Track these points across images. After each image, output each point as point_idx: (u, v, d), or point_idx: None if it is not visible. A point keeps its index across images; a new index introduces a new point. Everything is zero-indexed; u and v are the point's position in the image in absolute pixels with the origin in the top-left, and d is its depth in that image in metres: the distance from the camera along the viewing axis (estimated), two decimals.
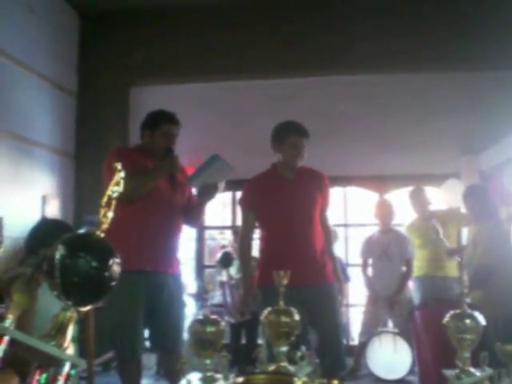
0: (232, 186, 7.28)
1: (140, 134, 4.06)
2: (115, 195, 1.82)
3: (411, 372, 5.94)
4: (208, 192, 3.99)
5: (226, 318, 6.39)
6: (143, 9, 6.80)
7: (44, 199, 6.10)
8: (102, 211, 1.83)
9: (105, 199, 1.83)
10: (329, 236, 4.25)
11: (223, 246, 6.66)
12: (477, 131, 6.77)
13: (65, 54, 6.76)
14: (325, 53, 6.74)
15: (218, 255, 6.46)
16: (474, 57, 6.48)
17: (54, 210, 6.29)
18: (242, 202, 4.24)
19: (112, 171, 3.42)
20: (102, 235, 1.82)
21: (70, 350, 1.76)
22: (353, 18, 6.75)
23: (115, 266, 1.78)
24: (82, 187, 6.60)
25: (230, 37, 6.82)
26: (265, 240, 4.18)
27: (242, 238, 4.29)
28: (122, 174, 1.86)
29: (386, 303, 6.05)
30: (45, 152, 6.24)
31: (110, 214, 1.83)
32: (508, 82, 6.70)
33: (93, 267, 1.72)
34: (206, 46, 6.82)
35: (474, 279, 4.63)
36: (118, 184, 1.84)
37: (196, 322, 2.41)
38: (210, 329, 2.38)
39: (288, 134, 4.16)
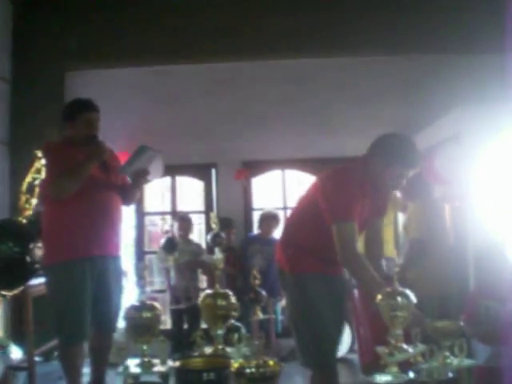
0: (171, 171, 7.28)
1: (63, 126, 4.06)
2: (37, 182, 1.82)
3: (351, 350, 6.07)
4: (139, 178, 4.06)
5: (171, 304, 6.38)
6: None
7: None
8: (24, 198, 1.82)
9: (25, 186, 1.83)
10: None
11: (167, 232, 6.60)
12: (411, 114, 6.90)
13: None
14: (263, 37, 6.72)
15: (162, 241, 6.40)
16: (407, 41, 6.57)
17: None
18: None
19: (56, 161, 3.38)
20: (24, 221, 1.82)
21: None
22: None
23: (37, 249, 1.78)
24: (16, 175, 6.43)
25: (166, 20, 6.73)
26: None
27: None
28: (43, 161, 1.85)
29: None
30: None
31: (34, 201, 1.83)
32: (439, 65, 6.85)
33: (15, 252, 1.72)
34: (142, 30, 6.70)
35: (409, 255, 4.74)
36: (38, 171, 1.84)
37: (131, 307, 2.43)
38: (146, 314, 2.40)
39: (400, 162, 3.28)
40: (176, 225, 6.65)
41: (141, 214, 7.52)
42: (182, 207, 7.73)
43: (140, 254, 7.45)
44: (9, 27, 6.76)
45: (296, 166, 7.63)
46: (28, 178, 1.79)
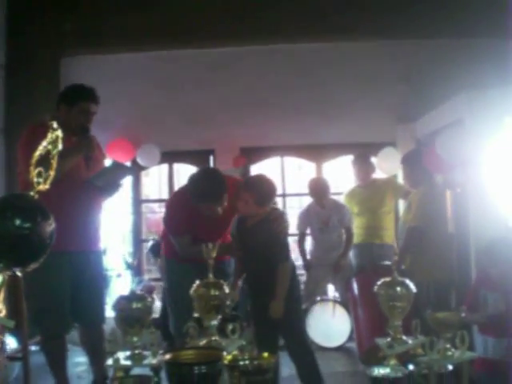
0: (168, 158, 7.21)
1: (56, 106, 3.95)
2: (54, 152, 1.71)
3: (350, 339, 6.00)
4: (110, 189, 3.99)
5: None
6: None
7: None
8: (34, 171, 1.70)
9: (35, 158, 1.70)
10: None
11: (153, 238, 6.47)
12: (412, 100, 6.80)
13: None
14: (263, 22, 6.61)
15: (149, 244, 6.31)
16: (409, 26, 6.46)
17: None
18: None
19: (27, 148, 3.28)
20: (36, 196, 1.71)
21: (2, 313, 1.69)
22: None
23: (46, 226, 1.69)
24: (12, 163, 6.35)
25: (165, 4, 6.63)
26: None
27: None
28: (59, 133, 1.74)
29: (331, 268, 6.03)
30: None
31: (51, 173, 1.71)
32: (442, 50, 6.74)
33: (24, 228, 1.61)
34: (140, 14, 6.60)
35: (406, 242, 4.68)
36: (53, 143, 1.72)
37: (121, 298, 2.35)
38: (137, 305, 2.32)
39: None
40: None
41: (138, 201, 7.44)
42: None
43: (137, 241, 7.37)
44: (3, 12, 6.66)
45: (295, 153, 7.53)
46: (39, 151, 1.67)
